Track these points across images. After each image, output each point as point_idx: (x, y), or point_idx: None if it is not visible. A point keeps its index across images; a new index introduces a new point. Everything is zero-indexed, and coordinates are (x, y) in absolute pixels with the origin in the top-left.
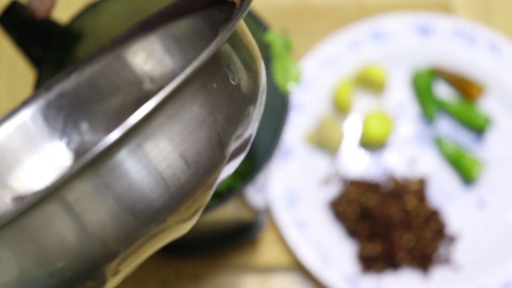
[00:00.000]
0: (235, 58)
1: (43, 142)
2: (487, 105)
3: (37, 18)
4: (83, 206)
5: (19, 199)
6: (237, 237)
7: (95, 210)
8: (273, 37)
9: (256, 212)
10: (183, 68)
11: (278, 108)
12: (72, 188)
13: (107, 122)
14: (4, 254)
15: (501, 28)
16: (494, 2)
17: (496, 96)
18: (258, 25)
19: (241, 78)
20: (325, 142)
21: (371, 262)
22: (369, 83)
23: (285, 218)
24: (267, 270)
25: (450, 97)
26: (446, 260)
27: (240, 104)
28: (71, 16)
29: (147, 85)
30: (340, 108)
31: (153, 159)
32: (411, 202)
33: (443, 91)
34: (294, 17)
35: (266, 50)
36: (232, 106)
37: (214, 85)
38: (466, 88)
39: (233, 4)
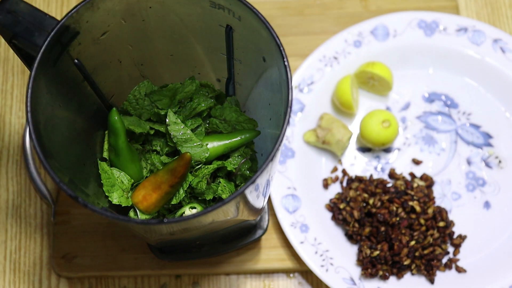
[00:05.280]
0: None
1: None
2: (495, 106)
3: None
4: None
5: None
6: (239, 240)
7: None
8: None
9: (258, 214)
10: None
11: (280, 110)
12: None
13: None
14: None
15: (506, 27)
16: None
17: (504, 96)
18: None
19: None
20: (330, 143)
21: (373, 264)
22: (374, 81)
23: (286, 220)
24: (268, 272)
25: None
26: (450, 263)
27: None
28: (67, 12)
29: None
30: (343, 105)
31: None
32: (415, 203)
33: None
34: (297, 14)
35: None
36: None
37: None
38: None
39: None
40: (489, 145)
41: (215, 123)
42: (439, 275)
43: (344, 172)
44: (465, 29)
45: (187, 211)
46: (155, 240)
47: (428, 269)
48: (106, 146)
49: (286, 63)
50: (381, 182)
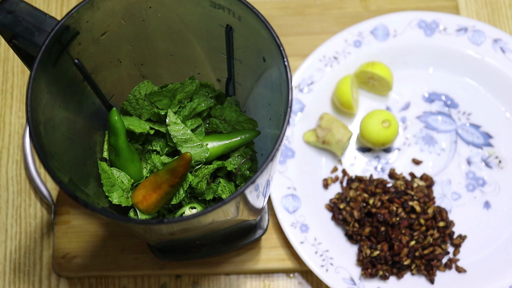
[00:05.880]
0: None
1: None
2: (495, 106)
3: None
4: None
5: None
6: (239, 240)
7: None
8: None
9: (258, 214)
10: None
11: (280, 110)
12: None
13: None
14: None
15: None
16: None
17: (504, 96)
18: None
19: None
20: (330, 143)
21: (373, 264)
22: (374, 81)
23: (286, 220)
24: (268, 272)
25: None
26: (450, 263)
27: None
28: (66, 12)
29: None
30: (343, 105)
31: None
32: (415, 203)
33: None
34: (297, 14)
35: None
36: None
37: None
38: None
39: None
40: (489, 145)
41: (215, 123)
42: (439, 275)
43: (344, 172)
44: (465, 29)
45: (187, 211)
46: (155, 240)
47: (428, 269)
48: (106, 146)
49: (286, 63)
50: (381, 182)
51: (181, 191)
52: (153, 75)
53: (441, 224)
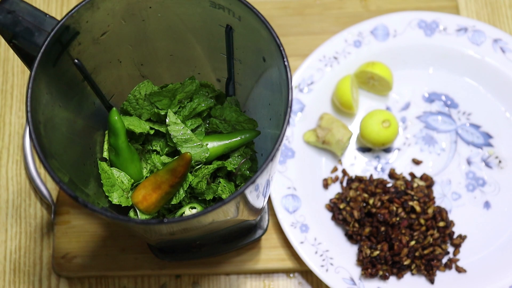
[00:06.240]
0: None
1: None
2: (495, 106)
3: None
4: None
5: None
6: (239, 240)
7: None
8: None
9: (258, 214)
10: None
11: (280, 110)
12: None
13: None
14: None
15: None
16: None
17: (504, 96)
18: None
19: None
20: (330, 143)
21: (373, 264)
22: (374, 81)
23: (286, 220)
24: (268, 272)
25: None
26: (450, 263)
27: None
28: (66, 12)
29: None
30: (343, 105)
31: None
32: (415, 203)
33: None
34: (297, 14)
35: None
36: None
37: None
38: None
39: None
40: (489, 145)
41: (215, 123)
42: (439, 275)
43: (344, 172)
44: (465, 29)
45: (187, 211)
46: (155, 240)
47: (428, 269)
48: (106, 146)
49: (286, 63)
50: (381, 182)
51: (181, 191)
52: (153, 75)
53: (441, 224)
